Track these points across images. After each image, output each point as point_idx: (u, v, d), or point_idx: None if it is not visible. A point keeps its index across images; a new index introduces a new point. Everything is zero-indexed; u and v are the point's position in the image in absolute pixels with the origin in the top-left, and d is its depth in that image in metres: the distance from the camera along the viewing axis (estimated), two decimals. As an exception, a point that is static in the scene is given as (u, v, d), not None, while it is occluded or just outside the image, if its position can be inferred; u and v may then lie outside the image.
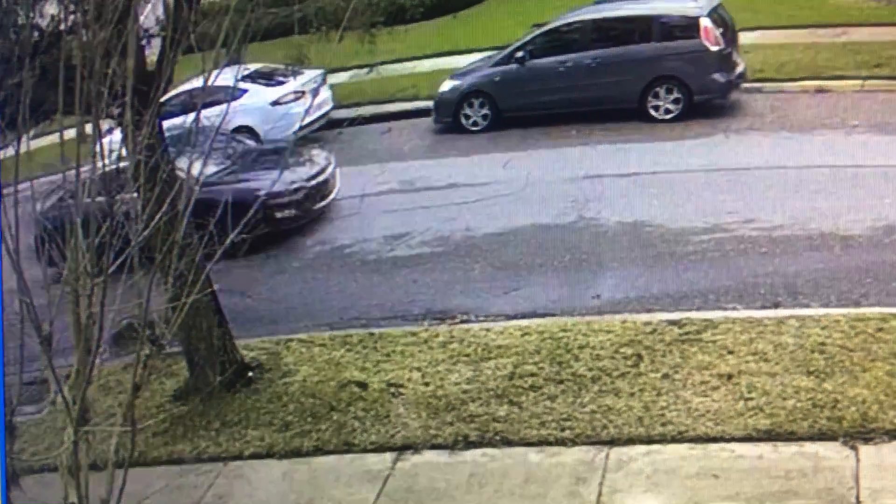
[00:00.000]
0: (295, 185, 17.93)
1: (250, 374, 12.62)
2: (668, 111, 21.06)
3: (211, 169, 17.40)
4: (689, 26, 21.55)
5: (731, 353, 11.55)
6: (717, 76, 21.23)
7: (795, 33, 27.08)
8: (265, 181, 17.64)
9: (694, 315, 12.68)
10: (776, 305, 13.04)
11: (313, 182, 18.25)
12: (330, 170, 18.63)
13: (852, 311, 12.39)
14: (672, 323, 12.40)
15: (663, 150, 19.34)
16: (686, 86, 21.13)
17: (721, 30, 21.65)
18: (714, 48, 21.27)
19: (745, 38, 23.79)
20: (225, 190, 17.25)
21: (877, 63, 23.24)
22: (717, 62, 21.24)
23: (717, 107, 21.30)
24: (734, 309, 13.00)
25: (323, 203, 18.32)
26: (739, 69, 21.96)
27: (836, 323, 11.92)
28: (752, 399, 10.64)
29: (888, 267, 13.81)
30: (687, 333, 12.08)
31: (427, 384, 11.82)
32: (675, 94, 21.13)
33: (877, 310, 12.32)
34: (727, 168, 17.80)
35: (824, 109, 20.81)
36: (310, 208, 18.16)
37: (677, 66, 21.27)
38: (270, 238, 15.78)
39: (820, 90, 22.03)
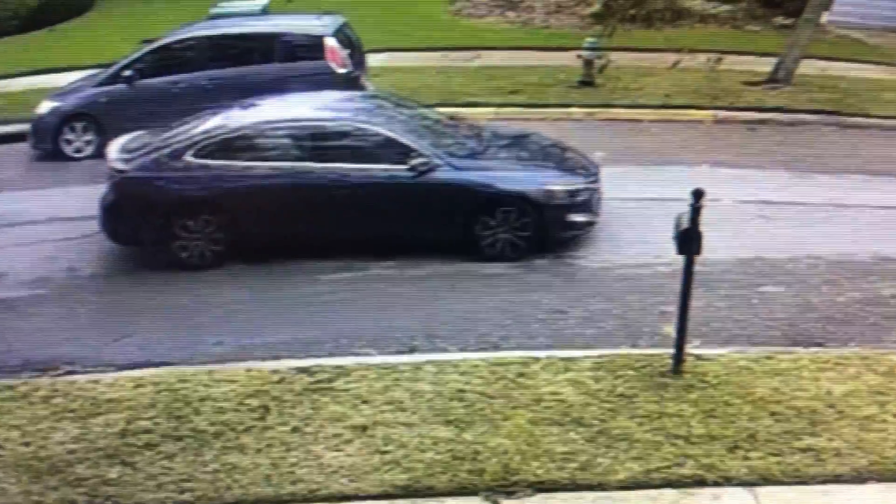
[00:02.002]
0: (584, 186, 16.73)
1: None
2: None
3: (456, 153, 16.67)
4: (313, 46, 21.88)
5: (365, 402, 11.74)
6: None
7: (428, 56, 28.09)
8: (542, 177, 16.70)
9: (325, 361, 12.82)
10: (412, 350, 13.40)
11: (597, 184, 17.00)
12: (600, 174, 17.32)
13: (492, 355, 12.89)
14: (302, 370, 12.49)
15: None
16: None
17: (348, 51, 22.09)
18: (340, 70, 21.68)
19: (373, 60, 24.40)
20: (501, 178, 16.35)
21: (512, 89, 24.37)
22: (343, 85, 21.61)
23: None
24: (368, 354, 13.26)
25: (600, 210, 17.02)
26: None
27: (476, 368, 12.36)
28: (388, 452, 10.83)
29: (530, 307, 14.52)
30: (318, 382, 12.20)
31: (27, 444, 11.41)
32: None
33: (518, 353, 12.87)
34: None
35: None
36: (597, 213, 16.95)
37: (300, 89, 21.49)
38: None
39: (453, 118, 22.79)
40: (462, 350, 13.28)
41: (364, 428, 11.27)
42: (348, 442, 11.05)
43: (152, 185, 16.38)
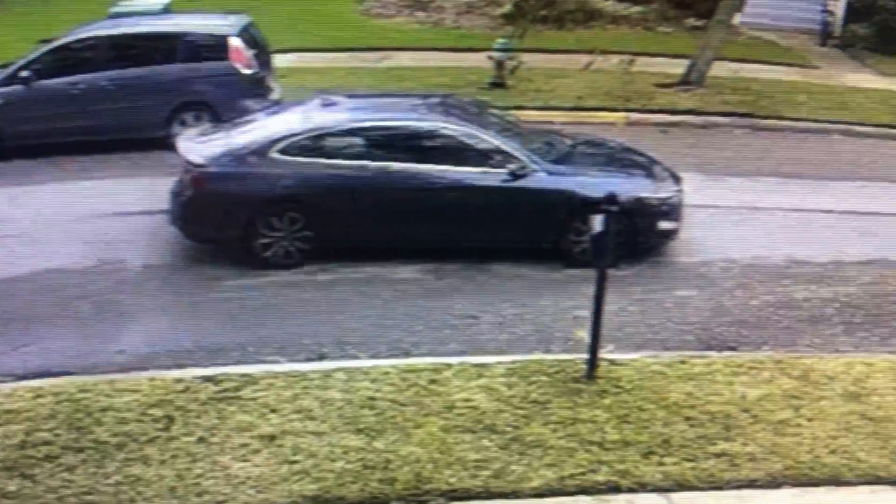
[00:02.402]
0: (671, 194, 16.82)
1: None
2: (196, 140, 21.18)
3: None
4: (217, 46, 21.76)
5: (273, 411, 11.70)
6: (250, 102, 21.53)
7: (336, 56, 28.07)
8: (633, 184, 16.75)
9: (231, 370, 12.76)
10: (322, 357, 13.37)
11: (682, 193, 17.11)
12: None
13: (403, 361, 12.93)
14: (207, 379, 12.40)
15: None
16: (216, 112, 21.25)
17: (253, 51, 22.00)
18: (245, 71, 21.61)
19: (281, 60, 24.33)
20: (595, 185, 16.06)
21: (423, 91, 24.31)
22: (249, 86, 21.57)
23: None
24: (276, 362, 13.21)
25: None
26: (274, 95, 22.39)
27: (387, 375, 12.38)
28: (297, 462, 10.80)
29: (442, 313, 14.63)
30: (224, 391, 12.12)
31: (-77, 459, 11.25)
32: (205, 122, 21.24)
33: (429, 360, 12.94)
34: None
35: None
36: (681, 222, 16.95)
37: (206, 91, 21.42)
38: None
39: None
40: (372, 357, 13.30)
41: (272, 437, 11.22)
42: (256, 452, 11.00)
43: (236, 180, 16.17)
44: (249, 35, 22.34)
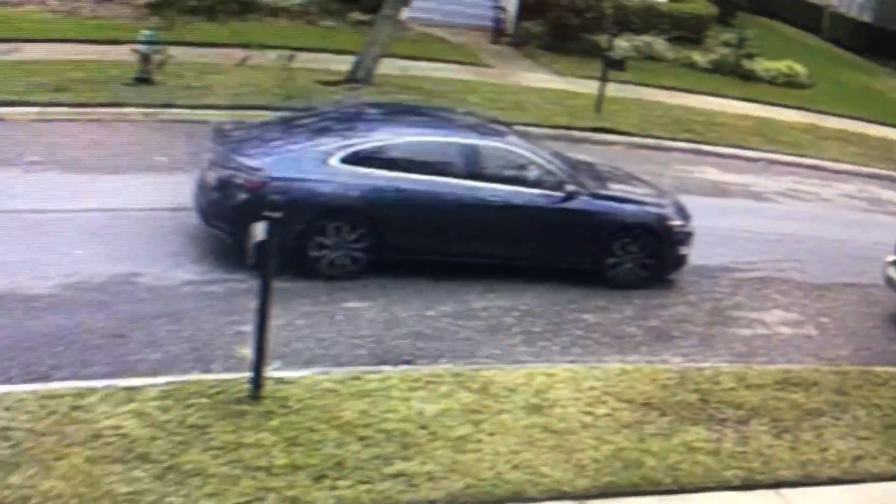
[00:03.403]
0: (686, 223, 18.59)
1: None
2: None
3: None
4: None
5: None
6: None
7: (-47, 48, 27.08)
8: (661, 209, 18.51)
9: None
10: (-57, 385, 12.83)
11: (691, 222, 18.75)
12: None
13: (41, 387, 12.48)
14: None
15: None
16: None
17: None
18: None
19: None
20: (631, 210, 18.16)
21: (58, 87, 23.79)
22: None
23: None
24: None
25: None
26: None
27: (22, 402, 11.96)
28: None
29: (84, 332, 14.14)
30: None
31: None
32: None
33: (72, 384, 12.54)
34: None
35: (-5, 142, 20.93)
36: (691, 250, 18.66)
37: None
38: None
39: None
40: (5, 382, 12.76)
41: None
42: None
43: (293, 187, 16.17)
44: None
